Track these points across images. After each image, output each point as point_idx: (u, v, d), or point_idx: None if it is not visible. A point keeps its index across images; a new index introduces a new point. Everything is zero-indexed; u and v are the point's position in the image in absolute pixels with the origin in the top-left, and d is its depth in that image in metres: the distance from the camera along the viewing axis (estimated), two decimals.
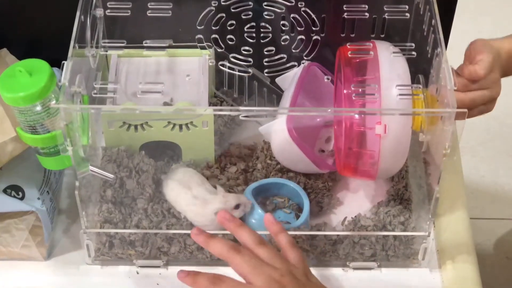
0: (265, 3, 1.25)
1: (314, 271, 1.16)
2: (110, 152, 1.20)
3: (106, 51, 1.26)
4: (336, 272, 1.18)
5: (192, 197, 1.15)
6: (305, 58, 1.28)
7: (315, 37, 1.27)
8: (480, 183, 2.29)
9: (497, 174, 2.31)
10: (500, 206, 2.25)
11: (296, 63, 1.27)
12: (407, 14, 1.22)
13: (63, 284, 1.16)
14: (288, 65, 1.28)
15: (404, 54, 1.13)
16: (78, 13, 1.11)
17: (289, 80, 1.26)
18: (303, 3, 1.24)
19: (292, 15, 1.26)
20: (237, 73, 1.27)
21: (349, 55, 1.13)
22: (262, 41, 1.27)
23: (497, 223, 2.20)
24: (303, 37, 1.27)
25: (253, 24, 1.26)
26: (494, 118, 2.44)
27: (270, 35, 1.27)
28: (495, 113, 2.52)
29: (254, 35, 1.27)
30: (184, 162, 1.23)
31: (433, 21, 1.12)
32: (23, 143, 1.10)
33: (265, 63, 1.27)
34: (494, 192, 2.28)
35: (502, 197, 2.27)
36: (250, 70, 1.27)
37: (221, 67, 1.26)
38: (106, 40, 1.23)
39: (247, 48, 1.26)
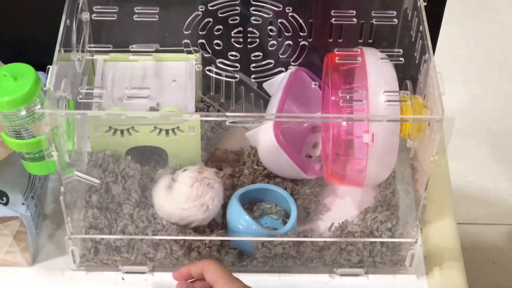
0: (253, 8, 1.25)
1: (300, 277, 1.17)
2: (96, 157, 1.19)
3: (92, 56, 1.26)
4: (323, 278, 1.17)
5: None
6: (292, 63, 1.28)
7: (302, 42, 1.27)
8: (467, 188, 2.30)
9: (483, 179, 2.32)
10: (486, 211, 2.25)
11: (283, 69, 1.27)
12: (395, 20, 1.22)
13: None
14: (275, 70, 1.27)
15: (391, 60, 1.13)
16: (64, 17, 1.11)
17: (276, 85, 1.26)
18: (291, 8, 1.24)
19: (279, 20, 1.26)
20: (224, 78, 1.26)
21: (337, 61, 1.13)
22: (249, 46, 1.27)
23: (483, 228, 2.21)
24: (290, 42, 1.27)
25: (241, 29, 1.26)
26: (481, 124, 2.45)
27: (258, 40, 1.27)
28: (482, 119, 2.52)
29: (241, 40, 1.26)
30: (170, 167, 1.22)
31: (421, 27, 1.12)
32: (8, 148, 1.09)
33: (252, 68, 1.27)
34: (481, 197, 2.29)
35: (489, 202, 2.28)
36: (237, 75, 1.26)
37: (208, 72, 1.26)
38: (92, 44, 1.23)
39: (234, 53, 1.26)
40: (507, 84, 2.56)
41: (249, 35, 1.26)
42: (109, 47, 1.19)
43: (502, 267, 2.11)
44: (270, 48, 1.27)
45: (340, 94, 1.08)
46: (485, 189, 2.30)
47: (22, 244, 1.15)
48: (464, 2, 2.73)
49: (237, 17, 1.25)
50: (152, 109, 1.21)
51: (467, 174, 2.32)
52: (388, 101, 1.06)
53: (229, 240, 1.16)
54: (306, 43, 1.27)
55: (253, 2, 1.24)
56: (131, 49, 1.20)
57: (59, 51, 1.06)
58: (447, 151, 1.11)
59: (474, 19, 2.71)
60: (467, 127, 2.41)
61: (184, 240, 1.15)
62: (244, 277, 1.15)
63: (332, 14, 1.23)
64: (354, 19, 1.23)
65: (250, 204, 1.21)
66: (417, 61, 1.14)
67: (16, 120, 1.04)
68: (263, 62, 1.27)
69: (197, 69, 1.25)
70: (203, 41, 1.26)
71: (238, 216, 1.15)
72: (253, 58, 1.27)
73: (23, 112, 1.03)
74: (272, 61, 1.27)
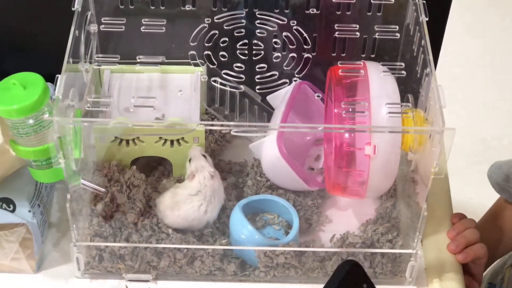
0: (258, 21, 1.26)
1: (302, 287, 1.17)
2: (102, 166, 1.21)
3: (100, 66, 1.27)
4: None
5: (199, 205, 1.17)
6: (296, 75, 1.29)
7: (306, 56, 1.29)
8: (468, 205, 2.30)
9: (484, 196, 2.32)
10: None
11: (287, 80, 1.28)
12: (397, 35, 1.23)
13: None
14: (279, 82, 1.29)
15: (393, 73, 1.14)
16: (72, 28, 1.12)
17: (280, 98, 1.27)
18: (295, 22, 1.26)
19: (284, 34, 1.27)
20: (228, 89, 1.27)
21: (340, 74, 1.14)
22: (254, 58, 1.28)
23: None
24: (294, 55, 1.28)
25: (246, 41, 1.27)
26: (481, 141, 2.46)
27: (262, 52, 1.28)
28: (482, 136, 2.52)
29: (246, 52, 1.28)
30: (174, 177, 1.23)
31: (422, 42, 1.13)
32: (21, 160, 1.11)
33: (257, 80, 1.28)
34: (482, 213, 2.28)
35: None
36: (241, 86, 1.28)
37: (213, 83, 1.27)
38: (100, 55, 1.24)
39: (239, 64, 1.27)
40: (508, 102, 2.57)
41: (254, 47, 1.27)
42: (116, 58, 1.20)
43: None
44: (274, 60, 1.29)
45: (342, 106, 1.09)
46: (486, 206, 2.30)
47: (27, 251, 1.16)
48: (465, 20, 2.75)
49: (242, 30, 1.26)
50: (158, 120, 1.22)
51: (468, 191, 2.32)
52: (390, 113, 1.08)
53: (231, 250, 1.17)
54: (310, 56, 1.28)
55: (258, 16, 1.26)
56: (138, 60, 1.21)
57: (68, 61, 1.08)
58: (447, 165, 1.12)
59: (475, 35, 2.73)
60: (467, 144, 2.42)
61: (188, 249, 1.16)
62: (246, 287, 1.16)
63: (336, 28, 1.24)
64: (357, 33, 1.24)
65: (253, 214, 1.22)
66: (418, 75, 1.15)
67: (25, 128, 1.05)
68: (268, 74, 1.29)
69: (202, 79, 1.27)
70: (209, 52, 1.27)
71: (241, 226, 1.16)
72: (257, 70, 1.28)
73: (31, 120, 1.05)
74: (276, 73, 1.28)
